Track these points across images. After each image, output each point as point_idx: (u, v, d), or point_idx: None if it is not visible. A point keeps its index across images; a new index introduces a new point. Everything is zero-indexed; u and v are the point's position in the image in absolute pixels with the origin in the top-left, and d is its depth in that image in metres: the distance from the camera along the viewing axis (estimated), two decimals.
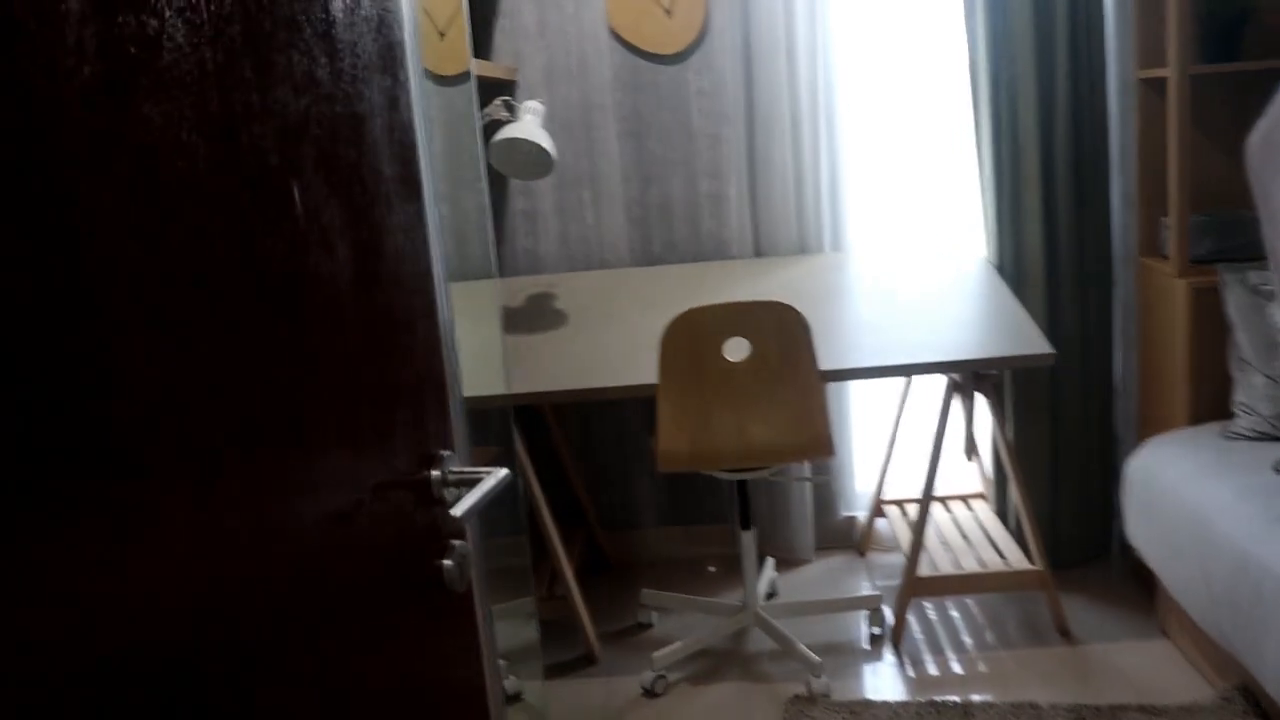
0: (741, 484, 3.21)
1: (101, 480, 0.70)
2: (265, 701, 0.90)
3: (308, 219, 1.00)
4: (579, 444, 3.97)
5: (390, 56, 1.18)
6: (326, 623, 1.01)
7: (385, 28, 1.17)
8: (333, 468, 1.04)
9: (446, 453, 1.28)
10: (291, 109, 0.98)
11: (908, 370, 2.97)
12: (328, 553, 1.03)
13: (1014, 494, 3.62)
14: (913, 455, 4.15)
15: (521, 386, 3.05)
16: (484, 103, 3.34)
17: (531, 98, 3.69)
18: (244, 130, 0.90)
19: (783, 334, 2.84)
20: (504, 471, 1.25)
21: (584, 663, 3.32)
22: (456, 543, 1.29)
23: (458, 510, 1.13)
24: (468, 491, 1.25)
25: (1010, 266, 3.50)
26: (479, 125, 2.49)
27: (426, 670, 1.24)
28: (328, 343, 1.03)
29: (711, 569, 3.94)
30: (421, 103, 1.77)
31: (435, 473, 1.26)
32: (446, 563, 1.27)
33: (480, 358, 2.75)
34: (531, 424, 3.86)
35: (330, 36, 1.05)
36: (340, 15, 1.07)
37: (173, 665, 0.78)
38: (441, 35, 2.76)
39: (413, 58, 1.72)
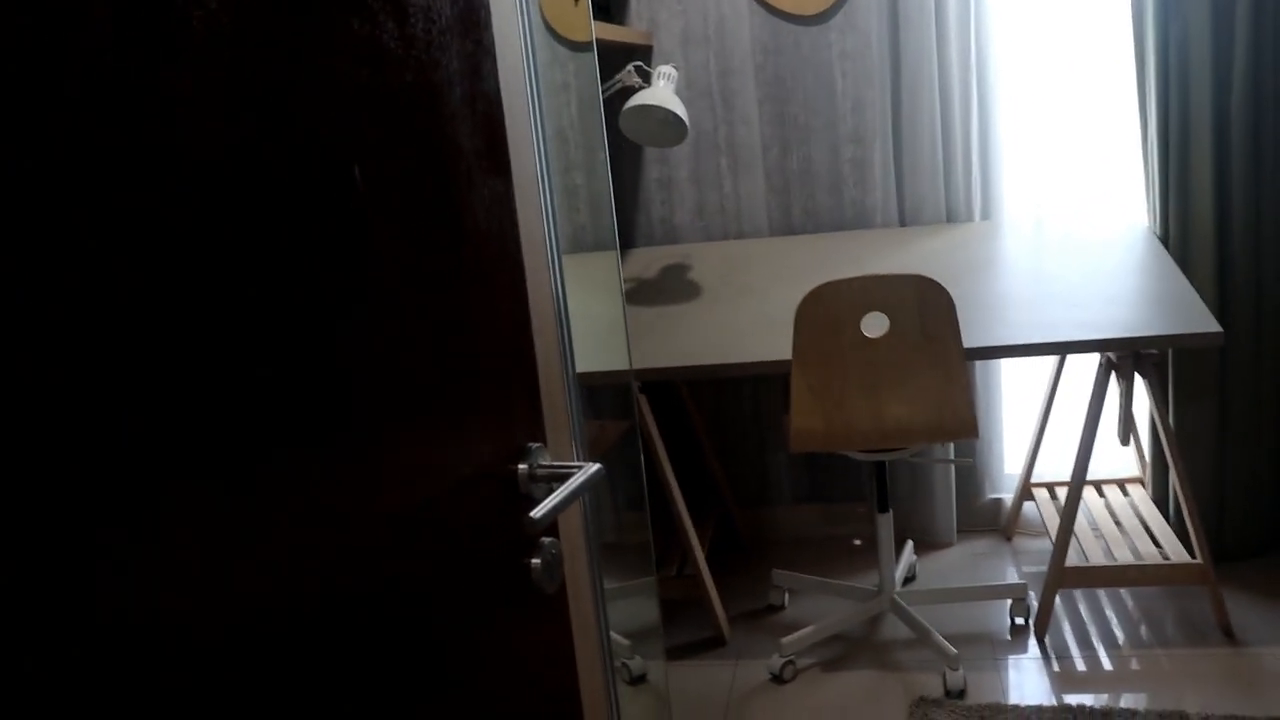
0: (879, 465, 3.07)
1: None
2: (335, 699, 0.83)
3: (372, 200, 0.92)
4: (713, 419, 3.88)
5: (471, 19, 1.10)
6: (400, 625, 0.95)
7: None
8: (405, 463, 0.97)
9: (535, 445, 1.20)
10: (352, 81, 0.90)
11: (1060, 349, 2.78)
12: (401, 551, 0.96)
13: (1174, 480, 3.39)
14: (1065, 436, 3.93)
15: (651, 361, 2.97)
16: (619, 69, 3.25)
17: (667, 63, 3.59)
18: (293, 106, 0.83)
19: (924, 309, 2.69)
20: (595, 467, 1.17)
21: (712, 644, 3.24)
22: (546, 540, 1.21)
23: (538, 513, 1.06)
24: (557, 486, 1.17)
25: (1176, 237, 3.25)
26: (600, 93, 2.41)
27: (513, 672, 1.17)
28: (397, 332, 0.96)
29: (857, 542, 3.82)
30: (532, 68, 1.70)
31: (523, 466, 1.19)
32: (535, 562, 1.20)
33: (606, 331, 2.68)
34: (665, 399, 3.78)
35: (400, 1, 0.97)
36: None
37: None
38: (575, 1, 2.68)
39: (524, 21, 1.64)
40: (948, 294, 2.66)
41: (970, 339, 2.81)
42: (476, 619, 1.09)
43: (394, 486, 0.95)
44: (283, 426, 0.81)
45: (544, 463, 1.20)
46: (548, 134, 1.75)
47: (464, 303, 1.08)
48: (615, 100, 3.47)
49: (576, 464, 1.18)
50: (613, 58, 3.59)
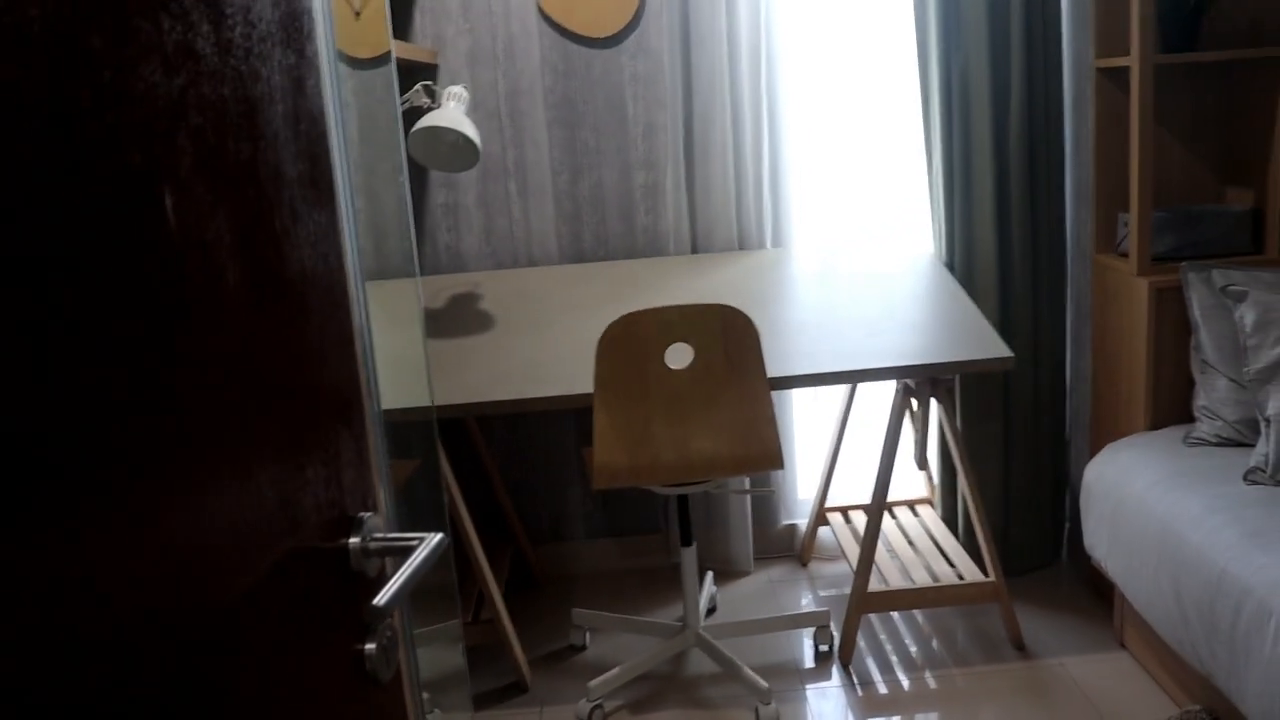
0: (682, 498, 3.00)
1: None
2: None
3: (184, 235, 0.76)
4: (502, 452, 3.73)
5: (294, 28, 0.94)
6: None
7: None
8: (218, 538, 0.81)
9: (367, 514, 1.05)
10: (162, 92, 0.74)
11: (862, 376, 2.79)
12: (213, 642, 0.80)
13: (962, 499, 3.48)
14: (854, 459, 3.99)
15: (445, 397, 2.81)
16: (403, 88, 3.09)
17: (455, 83, 3.44)
18: (93, 120, 0.67)
19: (729, 339, 2.64)
20: (437, 538, 1.03)
21: (514, 691, 3.09)
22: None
23: (382, 599, 0.91)
24: (394, 563, 1.02)
25: (960, 263, 3.34)
26: (398, 112, 2.25)
27: None
28: (208, 390, 0.80)
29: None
30: (336, 87, 1.54)
31: (354, 540, 1.03)
32: (370, 648, 1.05)
33: (400, 365, 2.52)
34: (452, 431, 3.62)
35: None
36: None
37: None
38: (357, 15, 2.52)
39: (325, 34, 1.48)
40: (753, 324, 2.62)
41: (769, 368, 2.78)
42: (301, 716, 0.93)
43: (202, 567, 0.79)
44: (59, 498, 0.64)
45: (378, 535, 1.05)
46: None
47: (288, 355, 0.92)
48: (400, 120, 3.30)
49: (416, 535, 1.04)
50: (397, 76, 3.41)
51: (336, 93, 1.51)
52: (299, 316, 0.93)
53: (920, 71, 3.29)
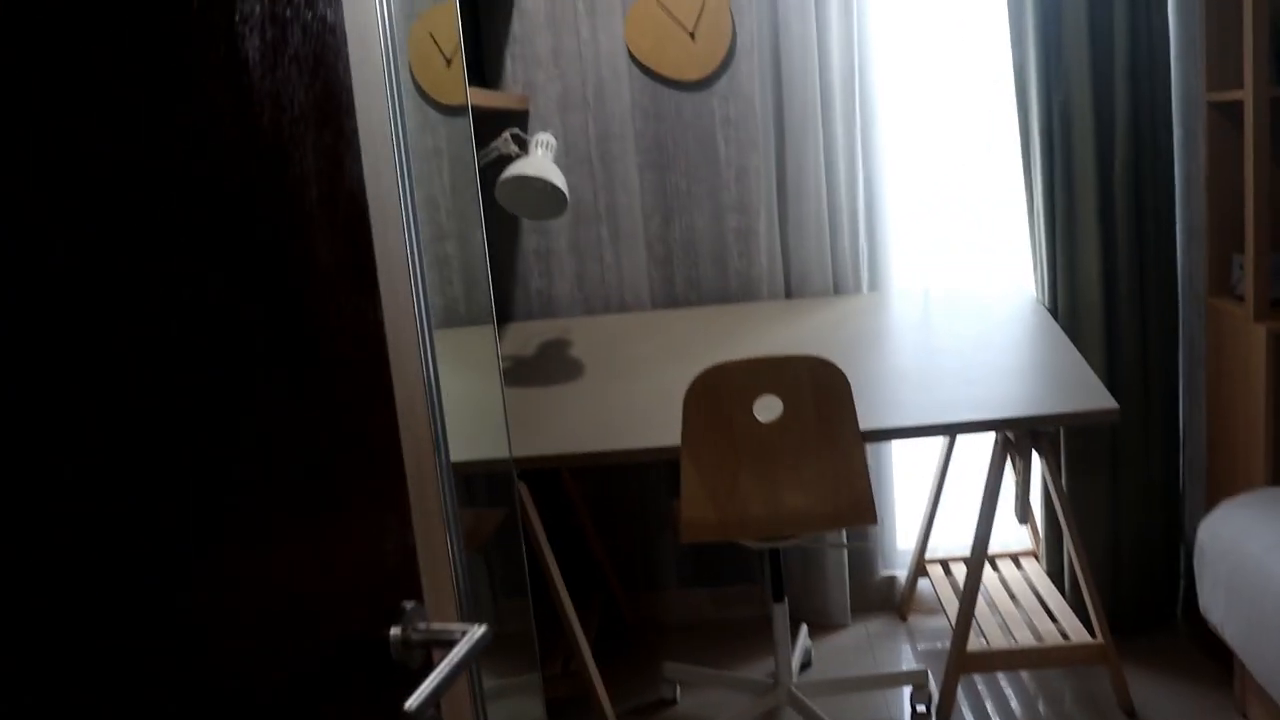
0: (774, 553, 2.92)
1: None
2: None
3: (203, 335, 0.73)
4: (594, 498, 3.70)
5: (331, 105, 0.92)
6: None
7: (325, 69, 0.91)
8: (245, 629, 0.77)
9: (411, 604, 1.01)
10: (180, 182, 0.71)
11: (959, 429, 2.68)
12: None
13: (1068, 553, 3.33)
14: (955, 507, 3.86)
15: (532, 447, 2.78)
16: (495, 135, 3.09)
17: (544, 129, 3.44)
18: (106, 212, 0.64)
19: (819, 393, 2.56)
20: (481, 630, 0.98)
21: None
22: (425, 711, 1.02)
23: (414, 703, 0.87)
24: (437, 653, 0.98)
25: (1063, 307, 3.21)
26: (476, 161, 2.24)
27: None
28: (230, 489, 0.77)
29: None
30: (402, 145, 1.52)
31: (396, 631, 0.99)
32: None
33: (480, 414, 2.49)
34: (544, 478, 3.59)
35: (241, 85, 0.79)
36: (256, 56, 0.81)
37: None
38: (449, 62, 2.52)
39: (391, 95, 1.46)
40: (844, 376, 2.54)
41: (864, 419, 2.70)
42: None
43: (232, 656, 0.75)
44: (73, 598, 0.61)
45: (421, 626, 1.01)
46: (417, 202, 1.58)
47: (322, 449, 0.89)
48: (490, 169, 3.31)
49: (460, 627, 1.00)
50: (488, 123, 3.42)
51: (402, 151, 1.49)
52: (334, 409, 0.90)
53: (1019, 108, 3.18)
